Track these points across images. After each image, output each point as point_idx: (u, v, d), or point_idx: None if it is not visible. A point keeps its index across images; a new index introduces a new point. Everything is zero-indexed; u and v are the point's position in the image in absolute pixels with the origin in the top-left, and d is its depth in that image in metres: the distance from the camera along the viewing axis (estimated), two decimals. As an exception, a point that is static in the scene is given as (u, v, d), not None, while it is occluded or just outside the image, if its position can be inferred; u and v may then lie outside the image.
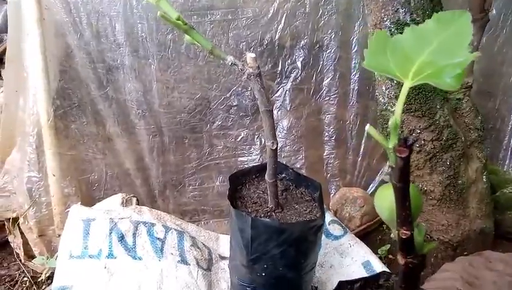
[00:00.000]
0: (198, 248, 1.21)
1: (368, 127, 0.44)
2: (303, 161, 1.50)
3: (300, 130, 1.49)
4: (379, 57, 0.47)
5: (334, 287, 0.70)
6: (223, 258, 1.25)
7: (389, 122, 0.42)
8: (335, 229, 1.28)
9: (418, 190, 0.48)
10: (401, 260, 0.48)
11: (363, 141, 1.55)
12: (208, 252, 1.24)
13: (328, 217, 1.31)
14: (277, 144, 0.87)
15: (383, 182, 1.55)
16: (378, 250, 1.33)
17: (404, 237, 0.46)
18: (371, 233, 1.43)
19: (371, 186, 1.58)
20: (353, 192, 1.47)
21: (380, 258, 1.23)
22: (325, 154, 1.54)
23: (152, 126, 1.34)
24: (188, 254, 1.16)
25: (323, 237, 1.27)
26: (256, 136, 1.45)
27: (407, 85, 0.44)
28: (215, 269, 1.20)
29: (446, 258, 1.29)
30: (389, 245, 1.34)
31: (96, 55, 1.26)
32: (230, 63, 0.78)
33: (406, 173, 0.42)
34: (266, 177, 0.93)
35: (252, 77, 0.79)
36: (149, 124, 1.34)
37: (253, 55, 0.79)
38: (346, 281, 0.72)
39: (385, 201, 0.49)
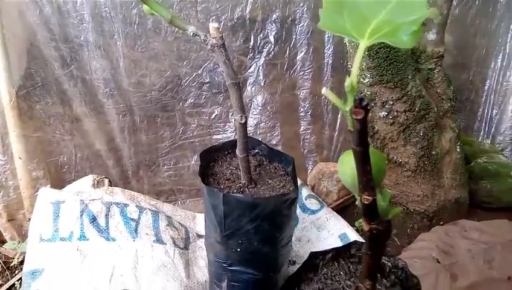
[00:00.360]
0: (175, 227, 1.19)
1: (324, 89, 0.43)
2: (279, 137, 1.49)
3: (275, 106, 1.47)
4: (335, 18, 0.45)
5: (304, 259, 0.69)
6: (200, 236, 1.23)
7: (346, 84, 0.41)
8: (312, 203, 1.27)
9: (380, 154, 0.47)
10: (365, 226, 0.47)
11: (339, 116, 1.54)
12: (185, 231, 1.22)
13: (305, 192, 1.31)
14: (246, 118, 0.85)
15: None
16: (355, 223, 1.33)
17: (366, 202, 0.45)
18: (348, 207, 1.44)
19: (347, 160, 1.58)
20: (330, 167, 1.47)
21: (357, 230, 1.24)
22: (301, 130, 1.53)
23: (121, 105, 1.30)
24: (163, 233, 1.14)
25: (300, 212, 1.27)
26: (230, 113, 1.43)
27: (362, 44, 0.42)
28: (192, 247, 1.19)
29: (422, 229, 1.31)
30: (365, 217, 1.35)
31: (58, 32, 1.20)
32: (191, 34, 0.74)
33: (364, 135, 0.41)
34: (237, 152, 0.91)
35: (215, 48, 0.76)
36: (118, 103, 1.30)
37: (216, 24, 0.76)
38: (318, 252, 0.72)
39: (347, 167, 0.47)
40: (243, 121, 0.85)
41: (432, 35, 1.10)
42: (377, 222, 0.46)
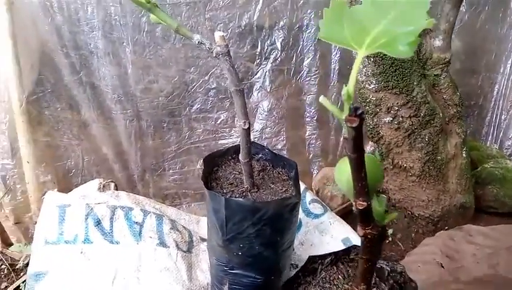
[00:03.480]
0: (178, 230, 1.20)
1: (321, 98, 0.43)
2: (284, 142, 1.49)
3: (281, 111, 1.47)
4: (335, 28, 0.46)
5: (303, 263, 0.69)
6: (203, 240, 1.24)
7: (342, 92, 0.41)
8: (315, 208, 1.27)
9: (375, 161, 0.48)
10: (360, 231, 0.48)
11: (345, 121, 1.54)
12: (189, 235, 1.23)
13: (309, 196, 1.31)
14: (249, 124, 0.86)
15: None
16: (360, 228, 1.33)
17: (360, 208, 0.45)
18: (352, 211, 1.43)
19: (353, 166, 1.57)
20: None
21: (361, 236, 1.24)
22: (306, 134, 1.54)
23: (129, 111, 1.32)
24: (167, 237, 1.15)
25: (303, 216, 1.27)
26: (236, 119, 1.44)
27: (360, 54, 0.43)
28: (195, 250, 1.19)
29: (427, 234, 1.30)
30: (370, 223, 1.35)
31: (68, 39, 1.23)
32: (197, 42, 0.76)
33: (359, 143, 0.41)
34: (240, 157, 0.92)
35: (220, 55, 0.78)
36: (126, 109, 1.32)
37: (222, 33, 0.77)
38: (317, 256, 0.72)
39: (343, 174, 0.48)
40: (246, 127, 0.86)
41: (438, 42, 1.10)
42: (371, 226, 0.46)
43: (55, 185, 1.25)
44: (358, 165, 0.43)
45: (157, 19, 0.76)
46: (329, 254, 0.72)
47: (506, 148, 1.71)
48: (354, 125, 0.39)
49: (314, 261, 0.71)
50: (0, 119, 1.19)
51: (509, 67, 1.72)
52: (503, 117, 1.74)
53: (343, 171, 0.48)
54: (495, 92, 1.76)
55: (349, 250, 0.76)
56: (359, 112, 0.38)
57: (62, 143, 1.29)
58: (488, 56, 1.73)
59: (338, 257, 0.72)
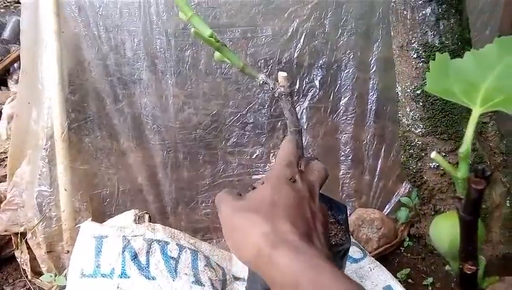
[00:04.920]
0: (212, 268, 1.17)
1: (433, 154, 0.42)
2: (319, 181, 1.47)
3: (316, 149, 1.46)
4: (441, 81, 0.45)
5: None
6: (237, 278, 1.20)
7: (460, 150, 0.40)
8: (354, 251, 1.24)
9: (481, 223, 0.46)
10: (463, 297, 0.45)
11: (379, 162, 1.52)
12: (222, 273, 1.19)
13: (347, 239, 1.28)
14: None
15: (399, 203, 1.52)
16: (397, 274, 1.29)
17: (469, 272, 0.43)
18: (388, 256, 1.39)
19: (386, 207, 1.54)
20: (370, 213, 1.43)
21: (400, 282, 1.19)
22: (340, 173, 1.52)
23: (167, 142, 1.32)
24: (202, 274, 1.11)
25: (341, 260, 1.23)
26: (271, 154, 1.43)
27: (476, 112, 0.41)
28: (229, 290, 1.16)
29: (467, 285, 1.25)
30: (409, 269, 1.30)
31: (113, 69, 1.25)
32: (261, 82, 0.75)
33: (478, 205, 0.39)
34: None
35: (283, 96, 0.77)
36: (163, 140, 1.31)
37: (285, 74, 0.76)
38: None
39: (445, 232, 0.46)
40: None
41: (485, 89, 1.09)
42: (475, 292, 0.44)
43: (89, 214, 1.23)
44: (471, 228, 0.41)
45: (222, 57, 0.76)
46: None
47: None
48: (480, 187, 0.37)
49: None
50: (41, 144, 1.19)
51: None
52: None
53: (446, 230, 0.46)
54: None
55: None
56: (487, 173, 0.37)
57: (99, 172, 1.28)
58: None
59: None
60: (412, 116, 1.10)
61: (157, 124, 1.30)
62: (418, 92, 1.06)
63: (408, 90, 1.08)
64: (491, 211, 1.19)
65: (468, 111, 1.12)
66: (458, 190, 0.41)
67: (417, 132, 1.11)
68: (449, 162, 1.09)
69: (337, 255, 0.87)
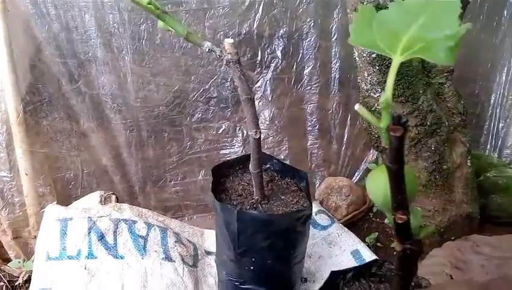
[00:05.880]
0: (183, 244, 1.17)
1: (357, 106, 0.42)
2: (286, 151, 1.48)
3: (282, 121, 1.46)
4: (365, 33, 0.44)
5: (325, 278, 0.67)
6: (209, 253, 1.21)
7: (380, 100, 0.40)
8: (322, 219, 1.26)
9: (412, 173, 0.46)
10: (398, 246, 0.46)
11: (346, 130, 1.53)
12: (193, 248, 1.20)
13: (315, 207, 1.29)
14: (260, 133, 0.84)
15: (367, 170, 1.54)
16: (366, 238, 1.31)
17: (400, 221, 0.43)
18: (357, 222, 1.42)
19: (355, 175, 1.57)
20: (338, 181, 1.45)
21: (368, 246, 1.22)
22: (308, 144, 1.52)
23: (129, 120, 1.29)
24: (172, 250, 1.12)
25: (310, 227, 1.25)
26: (238, 128, 1.42)
27: (396, 61, 0.41)
28: (201, 265, 1.16)
29: (433, 244, 1.29)
30: (377, 233, 1.33)
31: (67, 48, 1.20)
32: (207, 50, 0.74)
33: (400, 153, 0.39)
34: (250, 167, 0.90)
35: (231, 63, 0.76)
36: (125, 119, 1.29)
37: (231, 40, 0.75)
38: (339, 271, 0.70)
39: (379, 185, 0.46)
40: (257, 137, 0.84)
41: (441, 50, 1.10)
42: (410, 241, 0.44)
43: (54, 197, 1.21)
44: (398, 177, 0.41)
45: (166, 26, 0.74)
46: (351, 269, 0.70)
47: (505, 157, 1.71)
48: (398, 134, 0.37)
49: (335, 276, 0.69)
50: (-3, 130, 1.15)
51: (504, 76, 1.74)
52: (500, 126, 1.75)
53: (379, 182, 0.46)
54: (492, 101, 1.77)
55: (370, 264, 0.74)
56: (403, 120, 0.37)
57: (61, 154, 1.26)
58: (484, 65, 1.75)
59: (360, 272, 0.70)
60: (370, 80, 1.10)
61: (117, 102, 1.27)
62: (374, 55, 1.06)
63: (364, 54, 1.08)
64: (453, 171, 1.21)
65: (423, 73, 1.13)
66: (383, 141, 0.41)
67: (376, 96, 1.12)
68: (408, 126, 1.10)
69: (299, 221, 0.88)
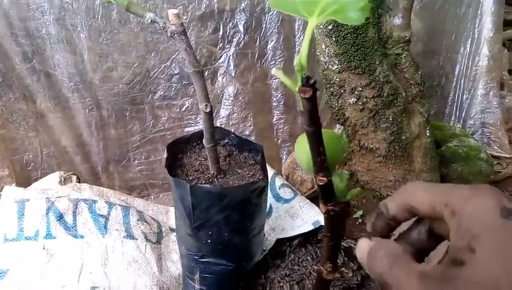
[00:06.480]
0: (146, 222, 1.17)
1: (274, 70, 0.42)
2: (252, 127, 1.48)
3: (247, 96, 1.45)
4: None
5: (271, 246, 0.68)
6: (173, 230, 1.21)
7: (294, 63, 0.40)
8: (285, 193, 1.27)
9: (336, 135, 0.46)
10: (322, 208, 0.46)
11: (311, 104, 1.53)
12: (157, 226, 1.20)
13: (279, 181, 1.30)
14: (211, 107, 0.83)
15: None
16: (329, 210, 1.33)
17: (321, 183, 0.44)
18: (322, 195, 1.44)
19: (321, 149, 1.58)
20: (303, 156, 1.46)
21: (331, 218, 1.24)
22: (274, 120, 1.52)
23: (87, 99, 1.27)
24: (134, 228, 1.12)
25: (274, 201, 1.26)
26: (201, 105, 1.40)
27: (312, 23, 0.41)
28: (165, 241, 1.17)
29: (395, 214, 1.32)
30: (339, 205, 1.36)
31: (18, 25, 1.16)
32: (149, 21, 0.72)
33: (314, 114, 0.40)
34: (204, 142, 0.90)
35: (175, 35, 0.74)
36: (84, 98, 1.26)
37: (176, 11, 0.74)
38: (285, 239, 0.71)
39: (302, 150, 0.46)
40: (207, 110, 0.83)
41: (398, 20, 1.10)
42: (333, 203, 0.45)
43: (13, 179, 1.19)
44: (316, 139, 0.41)
45: (106, -3, 0.72)
46: (297, 236, 0.71)
47: (468, 127, 1.75)
48: (308, 96, 0.37)
49: (282, 243, 0.70)
50: None
51: (468, 48, 1.76)
52: (464, 97, 1.78)
53: (303, 147, 0.47)
54: (456, 72, 1.79)
55: (316, 231, 0.76)
56: (312, 81, 0.37)
57: (18, 136, 1.23)
58: (448, 36, 1.76)
59: (306, 239, 0.71)
60: (328, 52, 1.10)
61: (75, 81, 1.24)
62: (330, 27, 1.06)
63: (321, 26, 1.07)
64: (411, 141, 1.23)
65: (380, 44, 1.13)
66: (299, 104, 0.42)
67: (334, 68, 1.12)
68: (366, 97, 1.11)
69: (254, 193, 0.89)
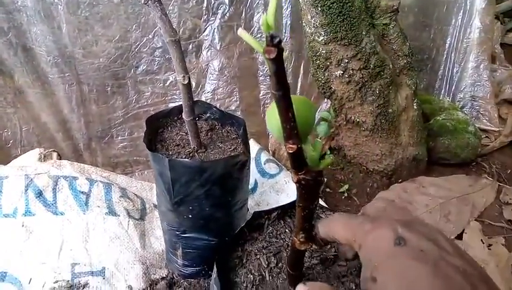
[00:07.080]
0: (129, 198, 1.15)
1: (240, 30, 0.39)
2: (238, 102, 1.45)
3: (233, 71, 1.42)
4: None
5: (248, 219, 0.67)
6: (157, 206, 1.20)
7: (260, 22, 0.37)
8: (271, 168, 1.26)
9: (307, 102, 0.44)
10: (293, 177, 0.45)
11: (299, 79, 1.51)
12: (141, 202, 1.19)
13: (264, 156, 1.29)
14: (189, 78, 0.80)
15: (321, 119, 1.53)
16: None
17: (291, 151, 0.42)
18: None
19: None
20: (291, 131, 1.44)
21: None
22: (261, 94, 1.49)
23: (67, 74, 1.23)
24: (116, 205, 1.10)
25: (259, 177, 1.25)
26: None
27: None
28: (149, 218, 1.16)
29: (382, 187, 1.32)
30: (326, 179, 1.35)
31: (-9, -4, 1.11)
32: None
33: (282, 78, 0.37)
34: (183, 115, 0.87)
35: (149, 2, 0.71)
36: (63, 72, 1.22)
37: (148, -24, 0.70)
38: (263, 211, 0.70)
39: (273, 118, 0.44)
40: (185, 82, 0.81)
41: (385, -11, 1.07)
42: (304, 171, 0.43)
43: (-9, 157, 1.16)
44: (284, 104, 0.39)
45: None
46: (276, 209, 0.70)
47: (458, 101, 1.73)
48: (272, 56, 0.34)
49: (260, 217, 0.69)
50: None
51: (460, 20, 1.72)
52: (455, 70, 1.76)
53: (273, 115, 0.44)
54: (447, 45, 1.76)
55: (295, 204, 0.74)
56: (276, 40, 0.34)
57: (-5, 112, 1.20)
58: (440, 8, 1.72)
59: (285, 212, 0.70)
60: (314, 23, 1.07)
61: (53, 55, 1.20)
62: (315, -4, 1.02)
63: (305, -5, 1.04)
64: (398, 114, 1.21)
65: (367, 13, 1.09)
66: (268, 68, 0.39)
67: (320, 40, 1.09)
68: (352, 69, 1.07)
69: (235, 167, 0.87)
